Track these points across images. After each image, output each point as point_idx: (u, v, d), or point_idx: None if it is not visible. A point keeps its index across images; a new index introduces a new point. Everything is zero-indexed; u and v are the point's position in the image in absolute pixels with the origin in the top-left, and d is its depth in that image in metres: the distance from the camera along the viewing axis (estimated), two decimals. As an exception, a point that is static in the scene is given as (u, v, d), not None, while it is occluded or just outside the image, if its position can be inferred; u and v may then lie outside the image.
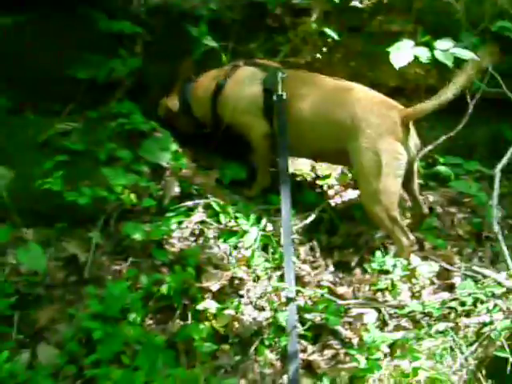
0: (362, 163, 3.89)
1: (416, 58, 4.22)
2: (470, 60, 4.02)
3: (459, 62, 4.25)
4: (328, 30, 4.41)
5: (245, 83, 4.23)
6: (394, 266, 3.65)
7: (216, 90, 4.30)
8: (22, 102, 4.29)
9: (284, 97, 4.04)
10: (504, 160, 4.28)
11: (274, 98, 4.06)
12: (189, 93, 4.42)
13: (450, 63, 4.17)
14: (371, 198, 3.88)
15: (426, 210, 4.18)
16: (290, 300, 3.41)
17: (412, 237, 3.89)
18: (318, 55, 4.59)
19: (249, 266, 3.68)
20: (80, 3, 4.32)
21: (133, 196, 3.80)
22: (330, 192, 4.43)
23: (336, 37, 4.40)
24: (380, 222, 3.91)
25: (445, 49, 4.25)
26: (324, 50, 4.59)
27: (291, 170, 4.51)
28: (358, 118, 3.92)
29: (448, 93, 3.86)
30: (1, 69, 4.29)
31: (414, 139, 4.00)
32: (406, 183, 4.05)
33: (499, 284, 3.54)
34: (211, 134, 4.43)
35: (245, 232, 3.81)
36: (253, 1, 4.48)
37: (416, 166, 4.12)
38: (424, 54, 4.20)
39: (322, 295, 3.54)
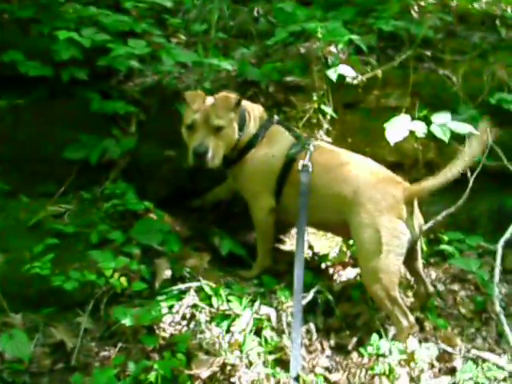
0: (362, 239, 3.82)
1: (412, 132, 4.18)
2: (474, 136, 3.96)
3: (458, 136, 4.23)
4: (325, 108, 4.38)
5: (275, 143, 4.08)
6: (390, 350, 3.53)
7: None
8: (15, 184, 4.28)
9: (310, 169, 3.91)
10: (507, 234, 4.20)
11: (299, 167, 3.93)
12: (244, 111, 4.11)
13: (446, 138, 4.13)
14: (371, 276, 3.78)
15: (430, 290, 4.07)
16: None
17: (412, 319, 3.78)
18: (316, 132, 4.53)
19: (241, 351, 3.57)
20: (75, 85, 4.33)
21: (123, 279, 3.72)
22: (328, 271, 4.32)
23: (334, 114, 4.36)
24: (379, 302, 3.81)
25: (441, 123, 4.21)
26: (323, 126, 4.55)
27: (289, 248, 4.47)
28: (360, 192, 3.85)
29: (453, 170, 3.81)
30: (-5, 152, 4.31)
31: (417, 218, 3.93)
32: (410, 262, 3.97)
33: (501, 368, 3.41)
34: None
35: (237, 315, 3.71)
36: (246, 79, 4.46)
37: (419, 244, 4.04)
38: (420, 128, 4.17)
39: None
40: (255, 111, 4.13)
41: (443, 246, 4.43)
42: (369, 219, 3.80)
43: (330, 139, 4.52)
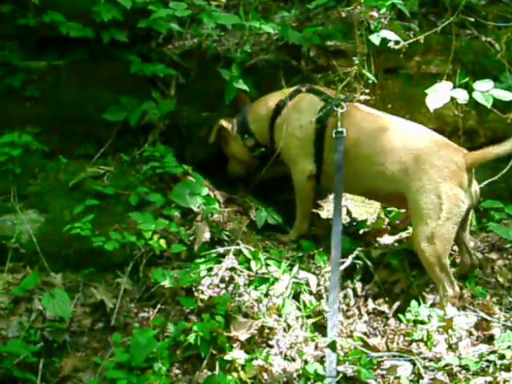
0: (422, 204, 3.78)
1: (453, 99, 4.12)
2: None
3: (499, 104, 4.16)
4: (366, 73, 4.32)
5: (303, 112, 4.11)
6: (430, 316, 3.52)
7: (276, 110, 4.19)
8: (55, 146, 4.30)
9: (344, 134, 3.93)
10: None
11: (333, 134, 3.95)
12: (247, 112, 4.32)
13: (489, 105, 4.06)
14: (425, 241, 3.75)
15: (475, 261, 4.04)
16: (331, 347, 3.30)
17: (458, 288, 3.77)
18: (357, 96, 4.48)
19: (279, 315, 3.58)
20: (115, 47, 4.33)
21: (162, 241, 3.75)
22: (366, 237, 4.30)
23: (374, 79, 4.30)
24: (429, 267, 3.78)
25: (484, 90, 4.14)
26: (363, 91, 4.49)
27: (326, 215, 4.46)
28: (423, 159, 3.82)
29: None
30: (35, 112, 4.34)
31: (475, 186, 3.90)
32: (459, 231, 3.91)
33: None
34: (249, 177, 4.42)
35: (276, 279, 3.72)
36: (287, 43, 4.42)
37: (471, 214, 4.02)
38: (462, 95, 4.09)
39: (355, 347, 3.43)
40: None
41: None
42: (431, 185, 3.77)
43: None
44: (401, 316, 3.65)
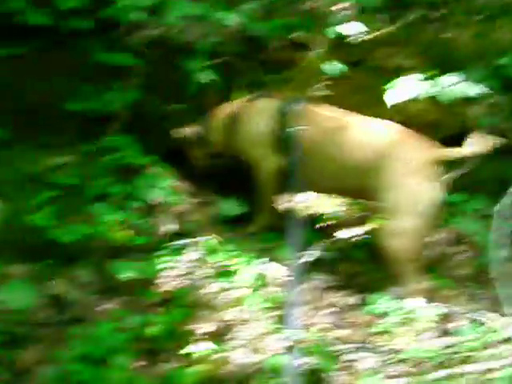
0: (388, 200, 3.78)
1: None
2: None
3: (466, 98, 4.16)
4: (326, 67, 4.29)
5: (259, 114, 4.18)
6: (392, 308, 3.51)
7: (232, 119, 4.27)
8: (16, 135, 4.21)
9: (299, 129, 3.96)
10: (505, 199, 4.15)
11: (291, 130, 4.00)
12: (207, 122, 4.40)
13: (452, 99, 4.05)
14: (391, 237, 3.75)
15: (439, 252, 4.05)
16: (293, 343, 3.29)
17: (424, 284, 3.78)
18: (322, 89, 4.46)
19: (243, 307, 3.55)
20: (78, 35, 4.26)
21: (124, 233, 3.70)
22: (332, 229, 4.29)
23: (336, 72, 4.28)
24: (394, 262, 3.78)
25: (449, 84, 4.13)
26: (328, 83, 4.47)
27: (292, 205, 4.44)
28: (387, 153, 3.82)
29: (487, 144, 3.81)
30: (-6, 101, 4.24)
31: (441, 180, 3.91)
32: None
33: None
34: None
35: (239, 271, 3.69)
36: (251, 35, 4.39)
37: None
38: (426, 89, 4.07)
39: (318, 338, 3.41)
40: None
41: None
42: (397, 180, 3.76)
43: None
44: (364, 308, 3.65)
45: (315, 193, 4.40)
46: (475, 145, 3.80)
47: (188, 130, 4.43)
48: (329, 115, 4.10)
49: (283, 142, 4.08)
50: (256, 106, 4.25)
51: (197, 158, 4.49)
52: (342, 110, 4.18)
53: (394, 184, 3.77)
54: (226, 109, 4.37)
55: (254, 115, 4.22)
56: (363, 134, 3.95)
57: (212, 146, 4.42)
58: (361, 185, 3.88)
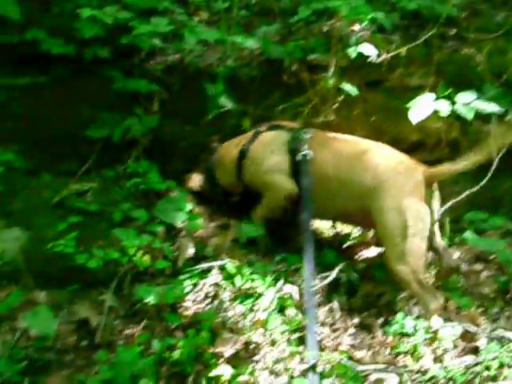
0: (387, 224, 3.80)
1: (436, 112, 4.13)
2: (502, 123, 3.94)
3: (482, 116, 4.17)
4: (345, 86, 4.33)
5: (269, 146, 4.17)
6: (415, 328, 3.52)
7: (240, 157, 4.24)
8: (38, 163, 4.28)
9: (309, 156, 3.98)
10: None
11: (299, 157, 4.00)
12: (213, 164, 4.38)
13: (470, 117, 4.07)
14: (397, 260, 3.76)
15: (453, 264, 4.04)
16: (312, 367, 3.31)
17: (442, 300, 3.76)
18: (337, 111, 4.49)
19: (265, 330, 3.57)
20: (99, 63, 4.32)
21: (146, 258, 3.74)
22: (350, 250, 4.31)
23: (355, 92, 4.31)
24: (406, 285, 3.79)
25: (466, 102, 4.15)
26: (343, 105, 4.50)
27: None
28: (384, 178, 3.85)
29: (478, 156, 3.79)
30: (18, 129, 4.33)
31: (437, 200, 3.94)
32: (430, 241, 3.92)
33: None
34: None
35: (261, 294, 3.70)
36: (269, 58, 4.43)
37: (436, 227, 4.01)
38: (444, 107, 4.10)
39: (340, 361, 3.42)
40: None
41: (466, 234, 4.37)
42: (393, 203, 3.79)
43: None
44: (386, 328, 3.65)
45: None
46: (470, 158, 3.80)
47: (196, 179, 4.42)
48: (334, 140, 4.12)
49: (294, 169, 4.07)
50: (264, 138, 4.22)
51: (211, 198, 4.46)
52: (346, 135, 4.20)
53: (390, 207, 3.79)
54: (231, 149, 4.32)
55: (264, 146, 4.19)
56: (363, 158, 3.96)
57: (223, 187, 4.41)
58: (362, 210, 3.90)
